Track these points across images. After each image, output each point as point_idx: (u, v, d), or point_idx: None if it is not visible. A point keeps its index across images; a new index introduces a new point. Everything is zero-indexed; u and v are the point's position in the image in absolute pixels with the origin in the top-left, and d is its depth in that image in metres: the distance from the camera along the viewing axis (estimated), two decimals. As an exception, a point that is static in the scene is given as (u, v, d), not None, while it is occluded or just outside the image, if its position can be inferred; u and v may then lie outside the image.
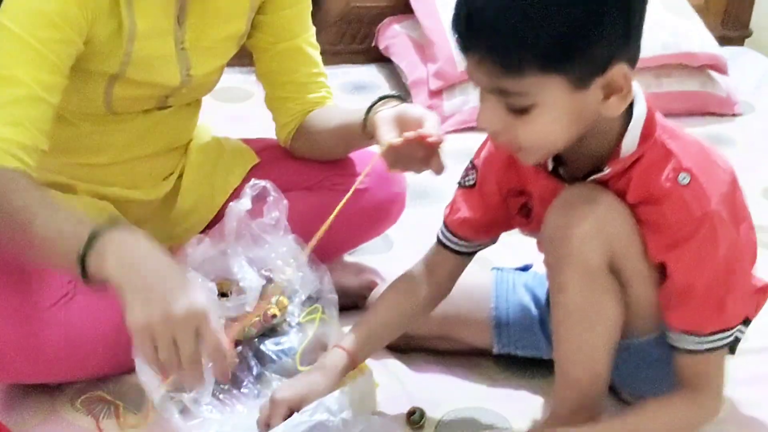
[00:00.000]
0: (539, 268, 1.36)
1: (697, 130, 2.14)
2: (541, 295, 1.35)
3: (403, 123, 1.22)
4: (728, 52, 2.41)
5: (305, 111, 1.45)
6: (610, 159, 1.10)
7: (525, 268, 1.42)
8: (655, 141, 1.09)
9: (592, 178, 1.11)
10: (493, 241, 1.30)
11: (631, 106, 1.08)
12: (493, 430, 1.25)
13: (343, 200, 1.23)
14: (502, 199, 1.24)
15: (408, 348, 1.39)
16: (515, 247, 1.60)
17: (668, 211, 1.08)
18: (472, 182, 1.25)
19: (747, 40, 2.71)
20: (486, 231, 1.27)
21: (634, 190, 1.10)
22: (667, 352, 1.16)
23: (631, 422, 1.16)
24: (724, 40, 2.49)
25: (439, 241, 1.29)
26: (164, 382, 1.12)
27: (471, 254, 1.30)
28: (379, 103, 1.32)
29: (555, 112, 1.02)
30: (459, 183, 1.27)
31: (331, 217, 1.22)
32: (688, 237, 1.08)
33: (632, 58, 1.03)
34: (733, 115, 2.32)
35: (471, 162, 1.26)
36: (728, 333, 1.13)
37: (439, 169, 1.19)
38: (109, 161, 1.30)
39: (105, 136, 1.36)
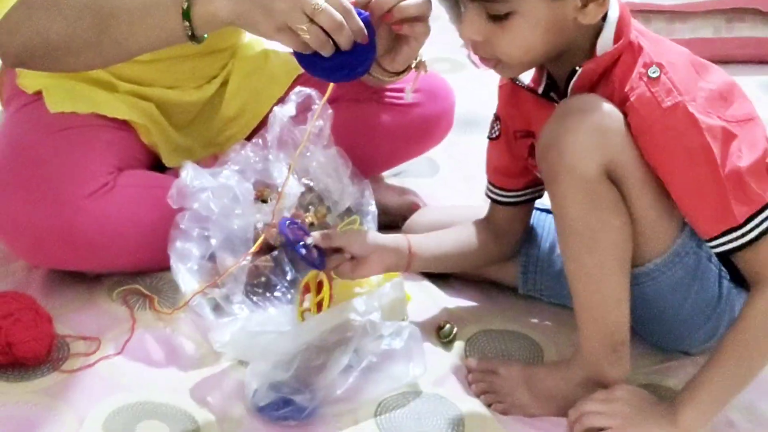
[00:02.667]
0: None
1: (765, 79, 2.09)
2: None
3: None
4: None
5: None
6: (586, 60, 1.09)
7: None
8: (631, 42, 1.08)
9: (571, 83, 1.10)
10: (536, 191, 1.29)
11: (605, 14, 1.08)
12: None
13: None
14: (514, 143, 1.24)
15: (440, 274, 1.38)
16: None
17: (639, 105, 1.05)
18: (496, 134, 1.27)
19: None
20: (517, 178, 1.27)
21: (617, 93, 1.08)
22: (686, 270, 1.13)
23: (737, 345, 1.07)
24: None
25: (486, 193, 1.31)
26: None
27: (520, 204, 1.29)
28: None
29: (533, 19, 1.04)
30: (488, 136, 1.29)
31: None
32: (663, 129, 1.04)
33: None
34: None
35: (495, 114, 1.28)
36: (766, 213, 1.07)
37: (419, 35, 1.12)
38: (148, 58, 1.30)
39: None
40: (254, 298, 1.27)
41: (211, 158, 1.39)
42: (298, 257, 1.16)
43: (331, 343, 1.13)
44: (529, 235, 1.32)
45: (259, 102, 1.47)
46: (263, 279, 1.28)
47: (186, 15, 1.09)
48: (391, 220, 1.45)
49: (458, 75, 2.03)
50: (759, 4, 2.17)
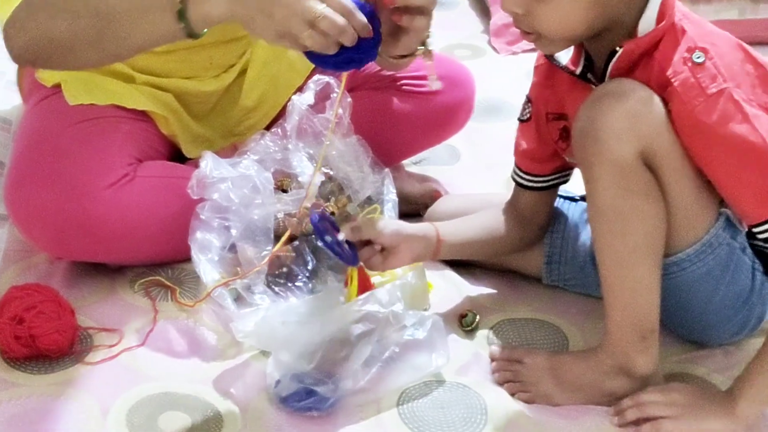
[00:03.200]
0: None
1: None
2: None
3: None
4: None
5: None
6: (627, 40, 1.07)
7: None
8: (674, 25, 1.06)
9: (611, 63, 1.08)
10: (563, 176, 1.28)
11: None
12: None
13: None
14: (546, 125, 1.23)
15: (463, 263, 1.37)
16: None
17: (682, 90, 1.03)
18: (527, 116, 1.26)
19: None
20: (545, 162, 1.25)
21: (656, 76, 1.06)
22: (717, 262, 1.11)
23: None
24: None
25: (512, 176, 1.30)
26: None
27: (546, 189, 1.28)
28: None
29: None
30: (518, 118, 1.28)
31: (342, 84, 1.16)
32: (707, 115, 1.02)
33: None
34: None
35: (527, 96, 1.26)
36: None
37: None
38: (164, 49, 1.29)
39: None
40: (275, 288, 1.26)
41: (230, 148, 1.39)
42: (327, 251, 1.15)
43: (354, 334, 1.12)
44: (553, 224, 1.31)
45: (277, 91, 1.46)
46: (284, 269, 1.27)
47: (181, 16, 1.08)
48: (413, 209, 1.44)
49: (479, 61, 2.02)
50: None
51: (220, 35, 1.38)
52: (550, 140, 1.23)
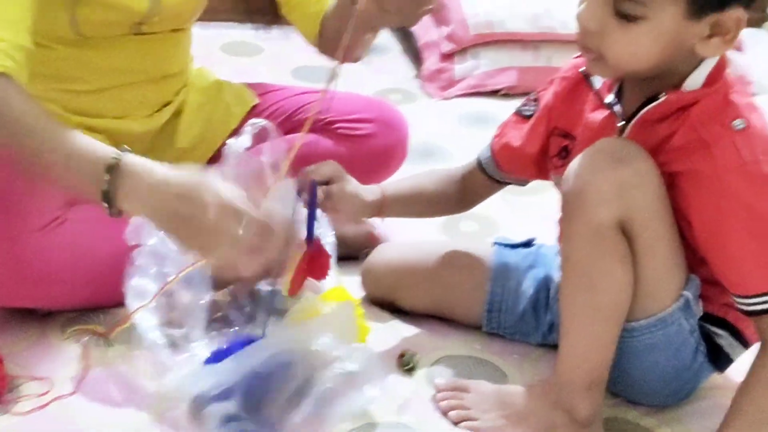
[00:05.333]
0: (544, 240, 1.36)
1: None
2: (541, 275, 1.32)
3: None
4: (745, 33, 2.37)
5: (314, 1, 1.39)
6: (671, 91, 1.08)
7: (528, 243, 1.38)
8: (719, 90, 1.07)
9: (648, 107, 1.09)
10: (522, 181, 1.32)
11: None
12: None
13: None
14: (547, 137, 1.24)
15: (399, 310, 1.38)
16: (520, 216, 1.60)
17: (718, 153, 1.05)
18: (529, 113, 1.27)
19: (765, 24, 2.67)
20: (520, 163, 1.27)
21: (686, 132, 1.07)
22: (665, 338, 1.14)
23: (750, 412, 1.08)
24: (742, 22, 2.46)
25: (477, 158, 1.32)
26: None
27: (499, 184, 1.33)
28: None
29: (658, 31, 1.03)
30: (517, 109, 1.29)
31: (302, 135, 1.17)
32: (736, 183, 1.04)
33: (749, 4, 1.03)
34: (747, 95, 2.29)
35: (535, 93, 1.27)
36: None
37: None
38: (94, 87, 1.27)
39: (84, 60, 1.31)
40: (212, 334, 1.25)
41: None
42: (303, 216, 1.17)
43: (279, 370, 1.10)
44: (494, 272, 1.32)
45: (213, 133, 1.46)
46: (221, 314, 1.26)
47: (105, 197, 1.03)
48: (350, 251, 1.45)
49: (411, 106, 2.04)
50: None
51: (153, 72, 1.37)
52: (543, 151, 1.24)
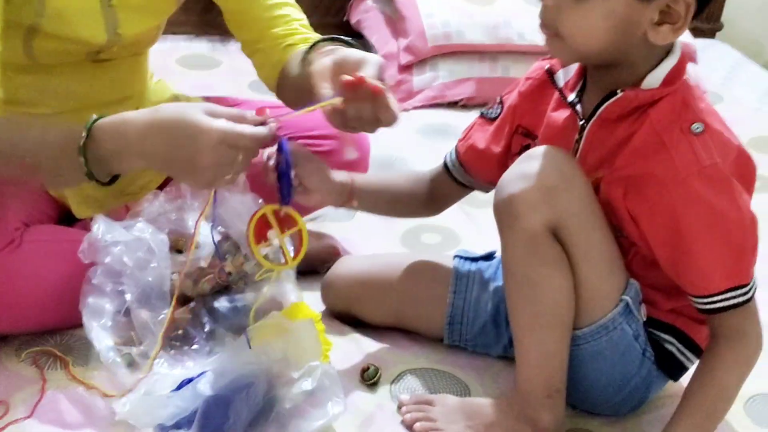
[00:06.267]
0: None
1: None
2: (501, 288, 1.29)
3: (341, 73, 1.11)
4: (699, 44, 2.41)
5: (277, 48, 1.36)
6: (629, 88, 1.09)
7: (489, 256, 1.37)
8: (677, 91, 1.09)
9: (606, 104, 1.10)
10: (486, 187, 1.30)
11: (666, 54, 1.09)
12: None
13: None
14: (511, 136, 1.25)
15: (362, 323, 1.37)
16: (482, 229, 1.61)
17: (677, 157, 1.06)
18: (493, 115, 1.28)
19: (718, 34, 2.72)
20: (485, 165, 1.27)
21: (645, 133, 1.08)
22: (609, 344, 1.14)
23: (703, 403, 1.10)
24: (696, 32, 2.50)
25: (444, 161, 1.33)
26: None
27: (465, 188, 1.33)
28: (318, 47, 1.23)
29: (608, 9, 1.04)
30: (481, 112, 1.30)
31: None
32: (696, 185, 1.05)
33: None
34: (702, 104, 2.32)
35: (500, 97, 1.28)
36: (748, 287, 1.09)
37: (390, 120, 1.11)
38: (53, 111, 1.26)
39: (40, 86, 1.30)
40: (172, 352, 1.23)
41: (123, 209, 1.35)
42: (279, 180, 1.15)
43: (238, 394, 1.08)
44: (454, 285, 1.32)
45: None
46: (180, 332, 1.24)
47: (90, 177, 1.08)
48: (311, 266, 1.44)
49: (371, 118, 2.04)
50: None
51: (112, 93, 1.35)
52: (506, 151, 1.24)
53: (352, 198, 1.26)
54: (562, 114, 1.17)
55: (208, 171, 1.04)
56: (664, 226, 1.08)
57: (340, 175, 1.26)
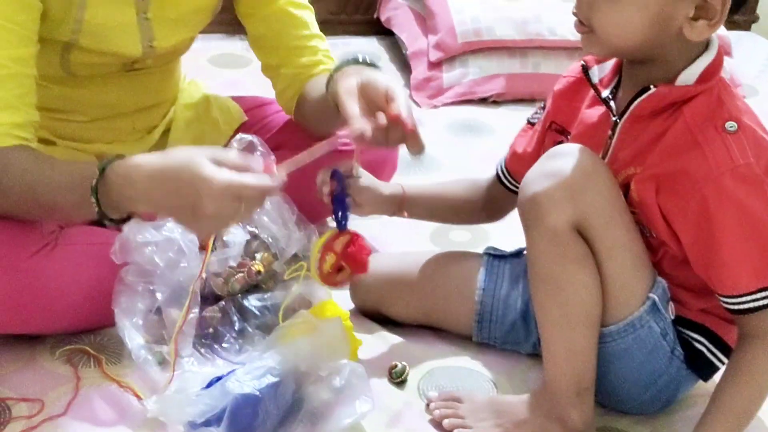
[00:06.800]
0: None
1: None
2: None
3: (368, 96, 1.14)
4: (734, 36, 2.38)
5: (300, 76, 1.41)
6: (663, 84, 1.08)
7: (518, 254, 1.36)
8: (712, 89, 1.08)
9: (639, 99, 1.09)
10: None
11: (703, 50, 1.09)
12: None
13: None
14: (544, 133, 1.25)
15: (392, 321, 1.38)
16: (511, 226, 1.60)
17: (710, 155, 1.05)
18: (534, 120, 1.29)
19: (754, 26, 2.68)
20: (525, 168, 1.24)
21: (678, 130, 1.08)
22: (636, 342, 1.14)
23: (734, 403, 1.09)
24: (731, 25, 2.46)
25: (495, 169, 1.35)
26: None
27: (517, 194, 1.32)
28: (343, 69, 1.23)
29: (643, 4, 1.04)
30: (527, 119, 1.31)
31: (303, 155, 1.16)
32: (729, 184, 1.04)
33: None
34: (736, 97, 2.29)
35: (544, 101, 1.29)
36: None
37: (419, 152, 1.14)
38: (86, 119, 1.28)
39: (76, 97, 1.33)
40: (202, 350, 1.25)
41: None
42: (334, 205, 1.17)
43: (268, 392, 1.09)
44: (484, 283, 1.32)
45: (201, 151, 1.45)
46: (211, 330, 1.26)
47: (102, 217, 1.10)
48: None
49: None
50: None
51: (144, 101, 1.38)
52: (538, 147, 1.25)
53: (402, 208, 1.30)
54: (597, 111, 1.17)
55: (211, 220, 1.03)
56: (695, 224, 1.07)
57: (390, 188, 1.29)
